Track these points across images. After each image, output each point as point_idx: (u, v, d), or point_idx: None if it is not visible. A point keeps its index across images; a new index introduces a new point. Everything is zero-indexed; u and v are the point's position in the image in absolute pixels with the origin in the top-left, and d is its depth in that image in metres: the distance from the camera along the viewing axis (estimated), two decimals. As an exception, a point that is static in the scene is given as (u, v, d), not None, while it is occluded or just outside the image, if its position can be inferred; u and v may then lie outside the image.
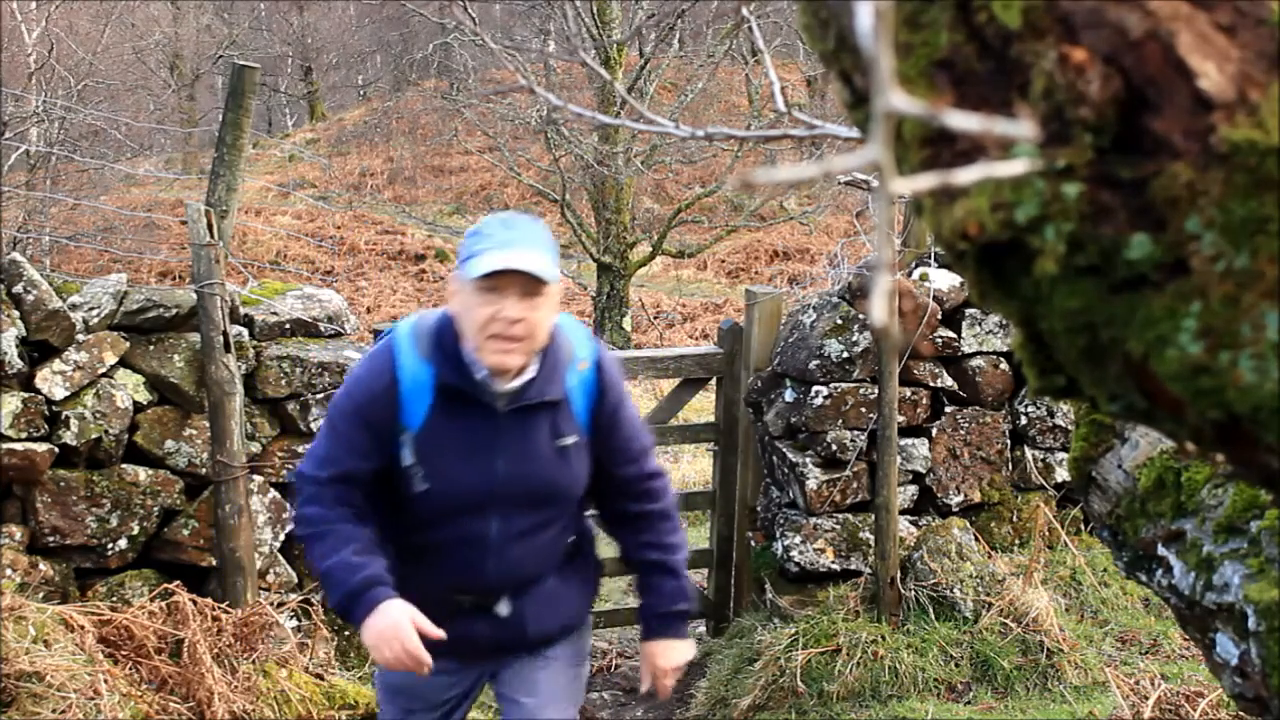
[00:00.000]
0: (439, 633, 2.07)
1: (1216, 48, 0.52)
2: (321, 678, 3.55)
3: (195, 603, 3.38)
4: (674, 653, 2.34)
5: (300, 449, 3.91)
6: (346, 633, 4.06)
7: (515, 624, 2.29)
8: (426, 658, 2.03)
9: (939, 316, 4.66)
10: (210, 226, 3.67)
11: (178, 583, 3.47)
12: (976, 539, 4.54)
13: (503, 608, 2.28)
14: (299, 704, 3.36)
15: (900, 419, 4.47)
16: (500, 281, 2.00)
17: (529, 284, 2.01)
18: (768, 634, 4.35)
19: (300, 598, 3.85)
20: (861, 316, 4.64)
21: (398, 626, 2.02)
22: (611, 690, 4.65)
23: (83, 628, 3.10)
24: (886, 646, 4.10)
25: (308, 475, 2.20)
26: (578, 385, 2.21)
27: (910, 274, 4.71)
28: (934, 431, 4.76)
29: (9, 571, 3.36)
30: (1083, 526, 4.85)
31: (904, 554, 4.39)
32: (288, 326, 3.97)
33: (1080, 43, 0.53)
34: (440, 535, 2.21)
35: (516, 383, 2.12)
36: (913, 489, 4.78)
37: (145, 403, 3.67)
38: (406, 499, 2.19)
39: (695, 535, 5.93)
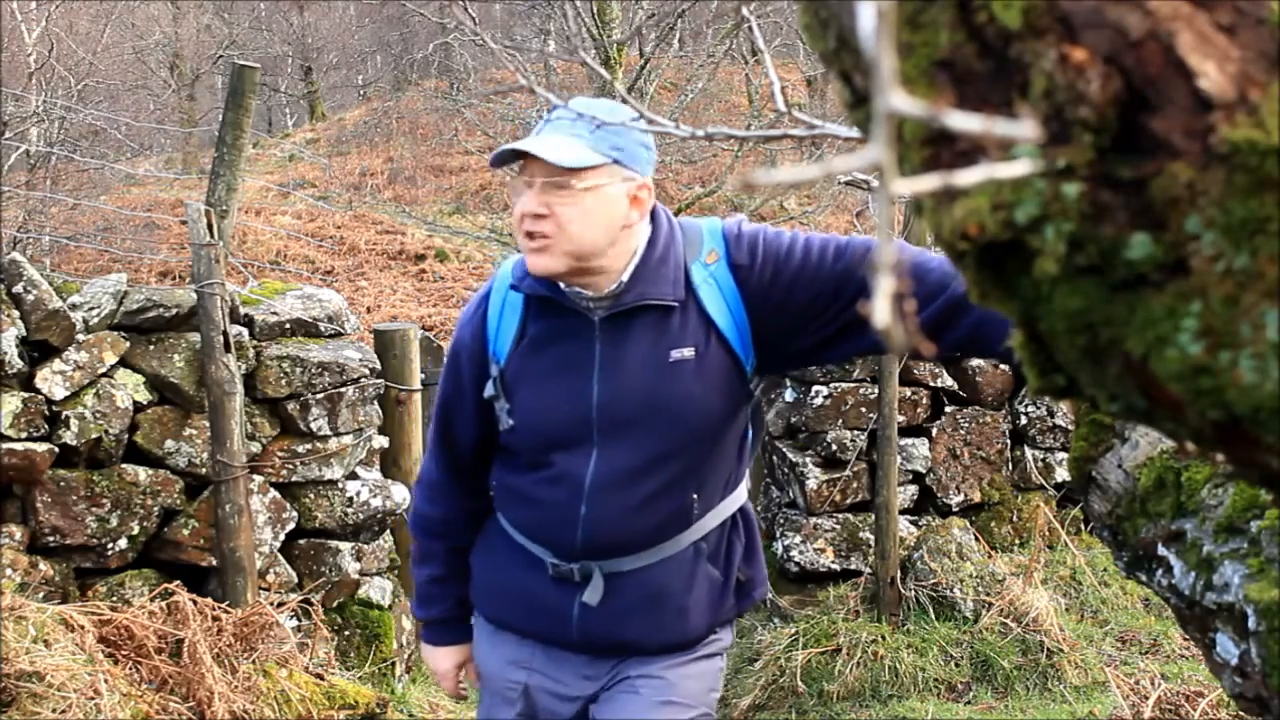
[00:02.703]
0: (462, 692, 2.14)
1: (1216, 48, 0.52)
2: (321, 678, 3.55)
3: (195, 603, 3.38)
4: None
5: (300, 449, 3.91)
6: (346, 632, 4.06)
7: (605, 620, 1.89)
8: (465, 694, 2.16)
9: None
10: (210, 226, 3.68)
11: (178, 583, 3.47)
12: (976, 539, 4.54)
13: (592, 592, 1.87)
14: (299, 704, 3.36)
15: (900, 419, 4.47)
16: (529, 167, 1.73)
17: (549, 171, 1.70)
18: (768, 634, 4.36)
19: (300, 598, 3.85)
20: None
21: (440, 677, 2.16)
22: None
23: (83, 628, 3.10)
24: (886, 646, 4.10)
25: (421, 472, 2.10)
26: (707, 282, 1.80)
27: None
28: (934, 431, 4.76)
29: (9, 571, 3.36)
30: (1083, 526, 4.85)
31: (904, 554, 4.39)
32: (288, 326, 3.97)
33: (1080, 43, 0.53)
34: (537, 477, 1.88)
35: (611, 286, 1.79)
36: (913, 489, 4.78)
37: (145, 402, 3.67)
38: (504, 446, 1.93)
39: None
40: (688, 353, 1.79)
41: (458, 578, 2.07)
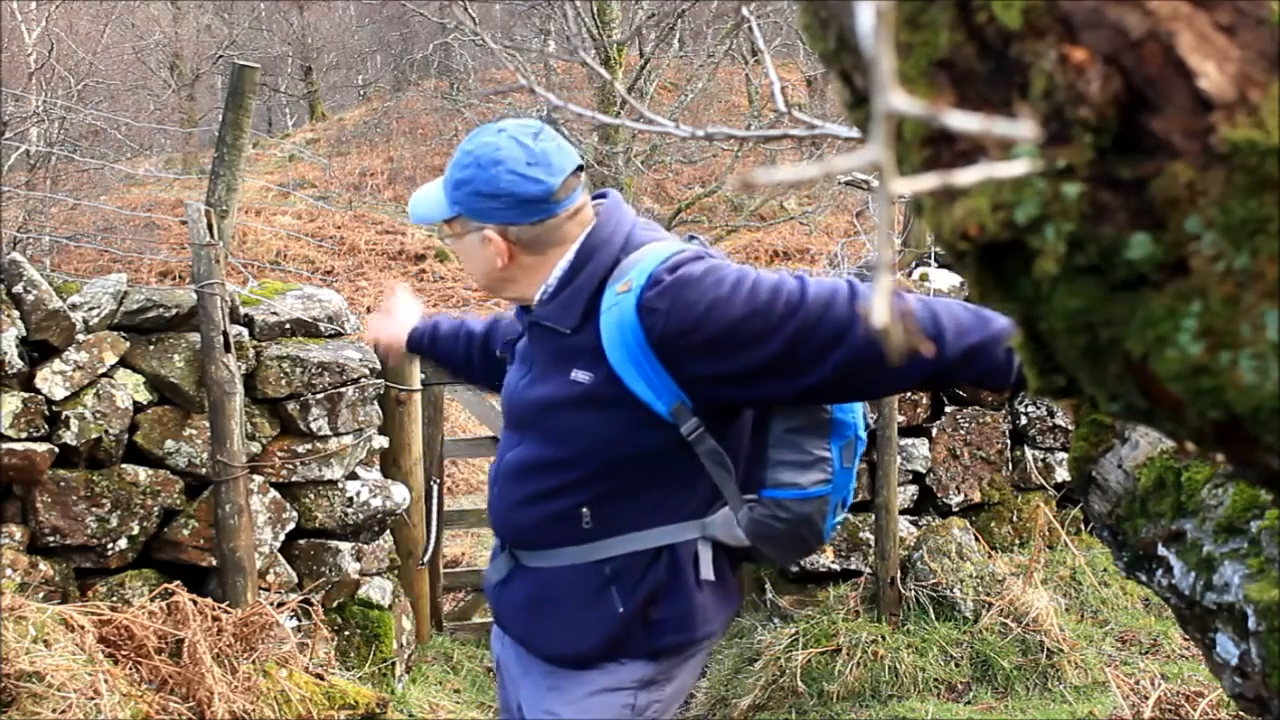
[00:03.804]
0: (369, 334, 2.56)
1: (1216, 48, 0.52)
2: (321, 678, 3.55)
3: (195, 603, 3.38)
4: None
5: (300, 449, 3.91)
6: (346, 633, 4.06)
7: (503, 606, 2.00)
8: (369, 334, 2.56)
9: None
10: (210, 226, 3.68)
11: (178, 583, 3.47)
12: (976, 539, 4.54)
13: (493, 570, 2.03)
14: (299, 704, 3.36)
15: (900, 419, 4.47)
16: None
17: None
18: (768, 634, 4.35)
19: (300, 598, 3.85)
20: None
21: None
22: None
23: (83, 628, 3.10)
24: (886, 646, 4.10)
25: None
26: (609, 312, 1.75)
27: (910, 274, 4.71)
28: (934, 431, 4.76)
29: (9, 571, 3.36)
30: (1083, 526, 4.85)
31: (904, 554, 4.39)
32: (288, 326, 3.97)
33: (1080, 43, 0.53)
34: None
35: (534, 302, 1.89)
36: (913, 489, 4.78)
37: (145, 403, 3.67)
38: None
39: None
40: (583, 377, 1.79)
41: (460, 333, 2.35)
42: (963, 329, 1.61)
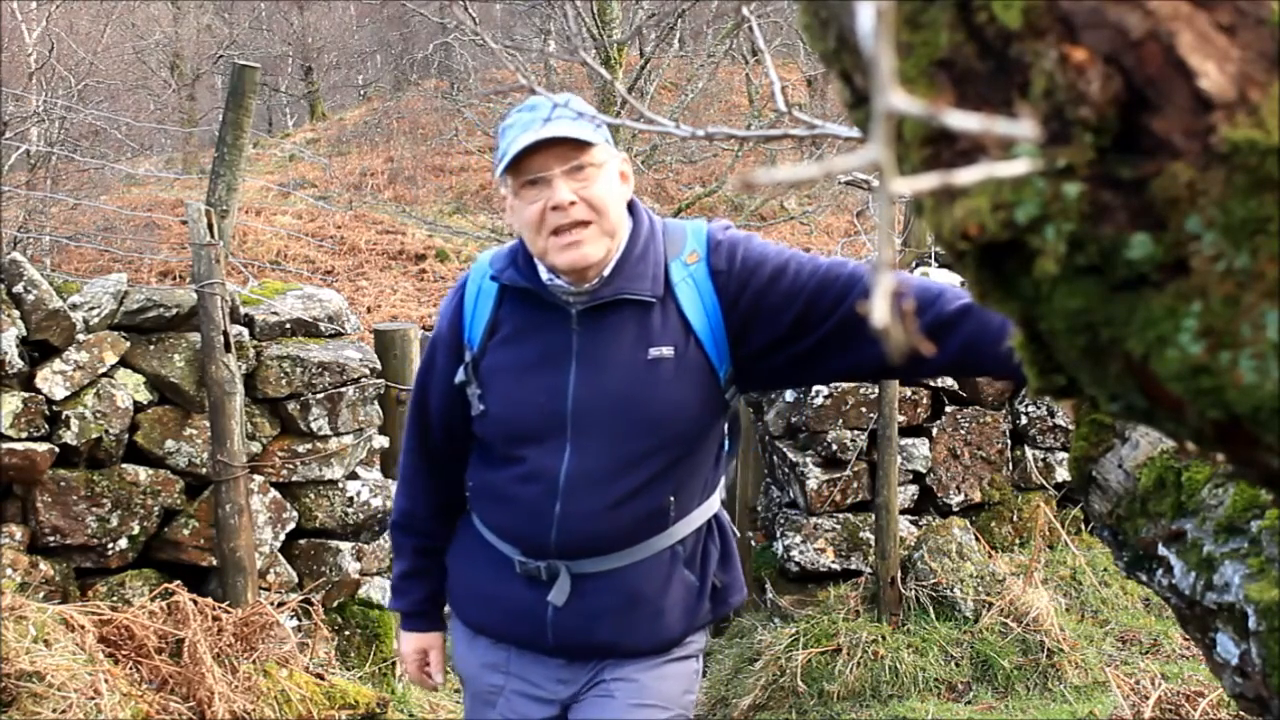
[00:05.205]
0: (436, 680, 2.12)
1: (1217, 48, 0.52)
2: (322, 677, 3.56)
3: (195, 602, 3.38)
4: None
5: (300, 449, 3.91)
6: (346, 632, 4.06)
7: (579, 623, 1.87)
8: (429, 682, 2.14)
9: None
10: (210, 226, 3.68)
11: (178, 582, 3.47)
12: (977, 539, 4.54)
13: (558, 592, 1.85)
14: (299, 704, 3.36)
15: (900, 418, 4.47)
16: (535, 165, 1.71)
17: (569, 154, 1.71)
18: (768, 634, 4.35)
19: (300, 597, 3.85)
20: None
21: (403, 660, 2.15)
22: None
23: (83, 627, 3.10)
24: (887, 646, 4.10)
25: (399, 468, 2.12)
26: (686, 282, 1.79)
27: (910, 274, 4.72)
28: (934, 431, 4.76)
29: (9, 571, 3.36)
30: (1083, 526, 4.85)
31: (904, 554, 4.39)
32: (288, 326, 3.97)
33: (1081, 42, 0.53)
34: (511, 474, 1.86)
35: (594, 278, 1.78)
36: (913, 489, 4.78)
37: (145, 402, 3.67)
38: (479, 439, 1.93)
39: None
40: (666, 351, 1.78)
41: (424, 574, 2.08)
42: (961, 294, 1.68)
